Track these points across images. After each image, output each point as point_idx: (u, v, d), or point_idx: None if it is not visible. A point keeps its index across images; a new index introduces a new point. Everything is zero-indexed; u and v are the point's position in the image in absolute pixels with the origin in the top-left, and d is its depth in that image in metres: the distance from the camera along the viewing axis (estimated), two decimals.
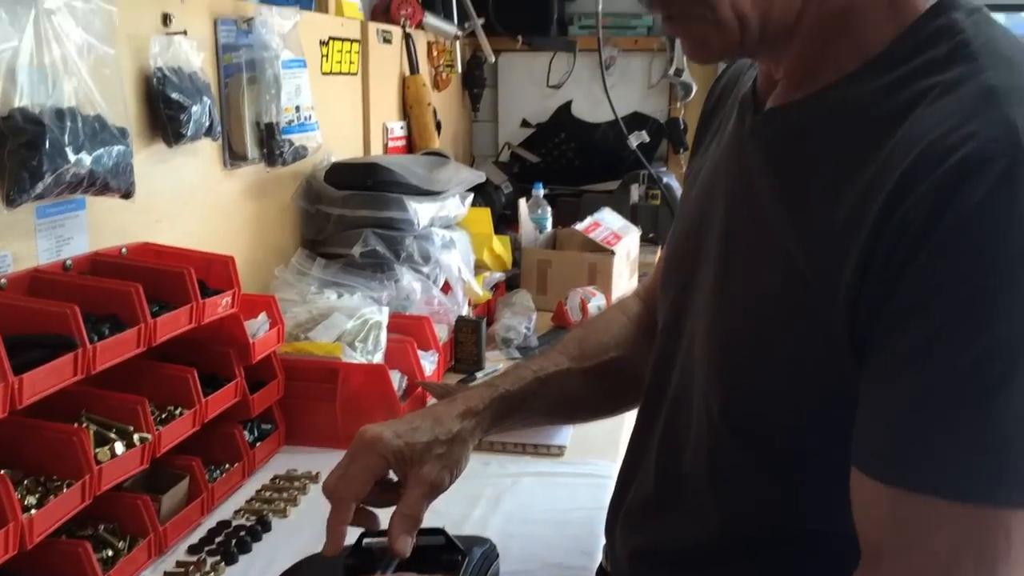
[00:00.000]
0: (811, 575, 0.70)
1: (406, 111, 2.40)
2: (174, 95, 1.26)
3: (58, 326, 0.91)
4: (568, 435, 1.40)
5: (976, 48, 0.60)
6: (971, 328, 0.54)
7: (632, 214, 2.73)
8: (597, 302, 2.04)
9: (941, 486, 0.54)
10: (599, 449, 1.38)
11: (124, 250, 1.20)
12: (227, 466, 1.22)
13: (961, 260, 0.54)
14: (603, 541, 1.13)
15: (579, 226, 2.26)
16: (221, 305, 1.18)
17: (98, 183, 1.05)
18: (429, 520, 0.86)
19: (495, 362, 1.79)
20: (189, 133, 1.28)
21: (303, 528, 1.13)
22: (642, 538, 0.82)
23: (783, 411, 0.67)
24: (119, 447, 0.97)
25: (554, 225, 2.52)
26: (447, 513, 1.04)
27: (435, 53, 2.63)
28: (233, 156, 1.50)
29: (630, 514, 0.84)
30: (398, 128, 2.35)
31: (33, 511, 0.85)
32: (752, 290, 0.68)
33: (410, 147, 2.42)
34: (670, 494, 0.78)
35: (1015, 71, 0.59)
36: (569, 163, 3.12)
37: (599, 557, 1.08)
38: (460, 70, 2.85)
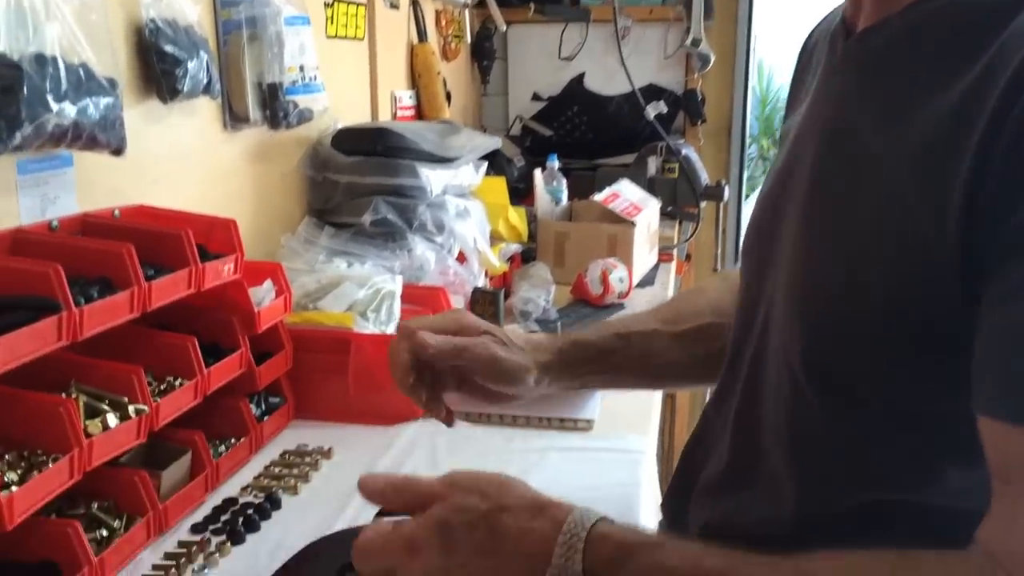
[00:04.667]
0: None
1: (415, 80, 2.31)
2: (168, 48, 1.17)
3: (39, 287, 0.82)
4: (597, 409, 1.31)
5: None
6: None
7: (649, 188, 2.63)
8: (619, 274, 1.95)
9: None
10: (630, 424, 1.30)
11: (117, 212, 1.11)
12: (233, 441, 1.13)
13: None
14: (642, 517, 1.05)
15: (597, 197, 2.17)
16: (223, 270, 1.10)
17: (84, 136, 0.97)
18: None
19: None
20: (185, 89, 1.20)
21: (316, 505, 1.05)
22: (714, 513, 0.74)
23: (871, 360, 0.58)
24: (112, 419, 0.89)
25: (569, 198, 2.44)
26: None
27: (443, 22, 2.54)
28: (234, 117, 1.41)
29: (704, 490, 0.76)
30: (407, 97, 2.26)
31: (14, 488, 0.77)
32: (845, 227, 0.60)
33: (420, 117, 2.34)
34: (747, 469, 0.70)
35: None
36: (582, 137, 3.03)
37: None
38: (469, 41, 2.76)
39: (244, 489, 1.09)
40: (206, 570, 0.90)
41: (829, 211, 0.62)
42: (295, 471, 1.13)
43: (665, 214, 2.64)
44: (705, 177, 2.69)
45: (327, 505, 1.05)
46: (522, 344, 0.85)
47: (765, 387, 0.69)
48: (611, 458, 1.18)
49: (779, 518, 0.65)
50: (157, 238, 1.03)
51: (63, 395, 0.88)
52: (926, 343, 0.54)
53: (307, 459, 1.16)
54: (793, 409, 0.65)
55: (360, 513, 1.02)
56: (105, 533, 0.91)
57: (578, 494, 1.07)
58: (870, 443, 0.60)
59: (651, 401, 1.38)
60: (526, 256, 2.16)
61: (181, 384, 1.03)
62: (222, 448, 1.12)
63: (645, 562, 0.56)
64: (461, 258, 1.72)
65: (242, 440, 1.14)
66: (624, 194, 2.23)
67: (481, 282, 1.73)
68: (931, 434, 0.57)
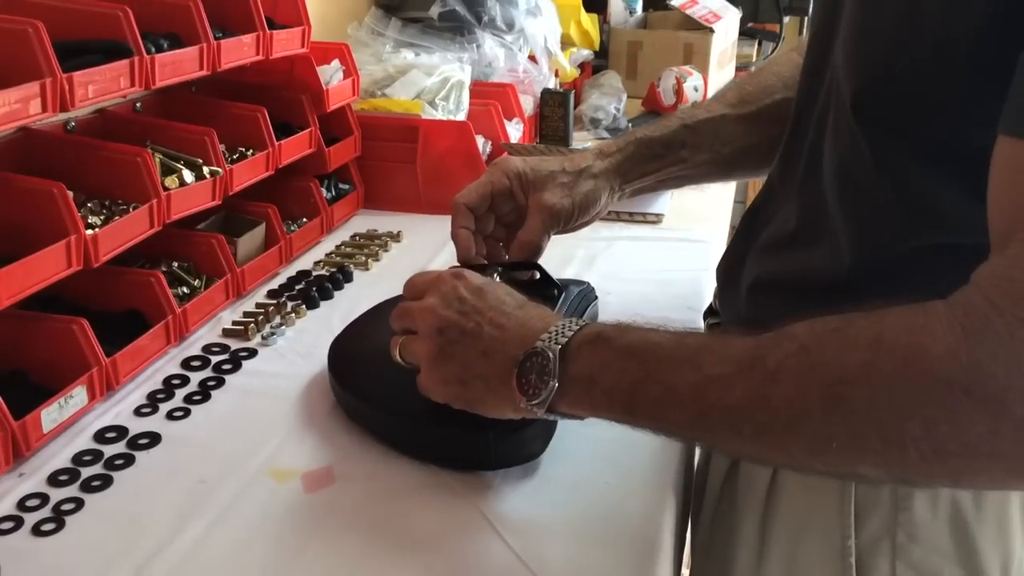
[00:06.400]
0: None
1: None
2: None
3: (110, 30, 0.81)
4: (666, 204, 1.28)
5: None
6: None
7: (730, 1, 2.48)
8: (694, 82, 1.86)
9: None
10: (700, 217, 1.27)
11: None
12: (304, 220, 1.15)
13: None
14: (709, 298, 1.04)
15: (674, 2, 2.05)
16: (291, 40, 1.07)
17: None
18: None
19: (582, 141, 1.67)
20: None
21: (387, 279, 1.07)
22: (767, 269, 0.72)
23: (922, 90, 0.55)
24: (187, 175, 0.90)
25: (644, 9, 2.31)
26: None
27: None
28: None
29: (762, 249, 0.74)
30: None
31: (98, 229, 0.79)
32: None
33: None
34: (812, 230, 0.67)
35: None
36: None
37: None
38: None
39: (317, 264, 1.11)
40: (283, 327, 0.93)
41: None
42: (366, 251, 1.14)
43: (743, 33, 2.50)
44: None
45: (398, 279, 1.04)
46: (584, 159, 0.83)
47: (826, 140, 0.65)
48: (680, 247, 1.17)
49: (834, 269, 0.63)
50: (223, 0, 1.00)
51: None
52: (977, 71, 0.51)
53: (377, 241, 1.17)
54: (846, 156, 0.62)
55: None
56: (186, 291, 0.94)
57: (647, 275, 1.08)
58: (919, 184, 0.57)
59: (723, 197, 1.35)
60: (596, 68, 2.08)
61: (253, 154, 1.03)
62: (294, 227, 1.14)
63: (633, 336, 0.56)
64: (531, 59, 1.66)
65: (314, 220, 1.15)
66: (703, 1, 2.10)
67: (551, 84, 1.68)
68: (980, 174, 0.54)
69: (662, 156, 0.86)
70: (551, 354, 0.57)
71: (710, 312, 0.84)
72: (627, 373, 0.55)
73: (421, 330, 0.65)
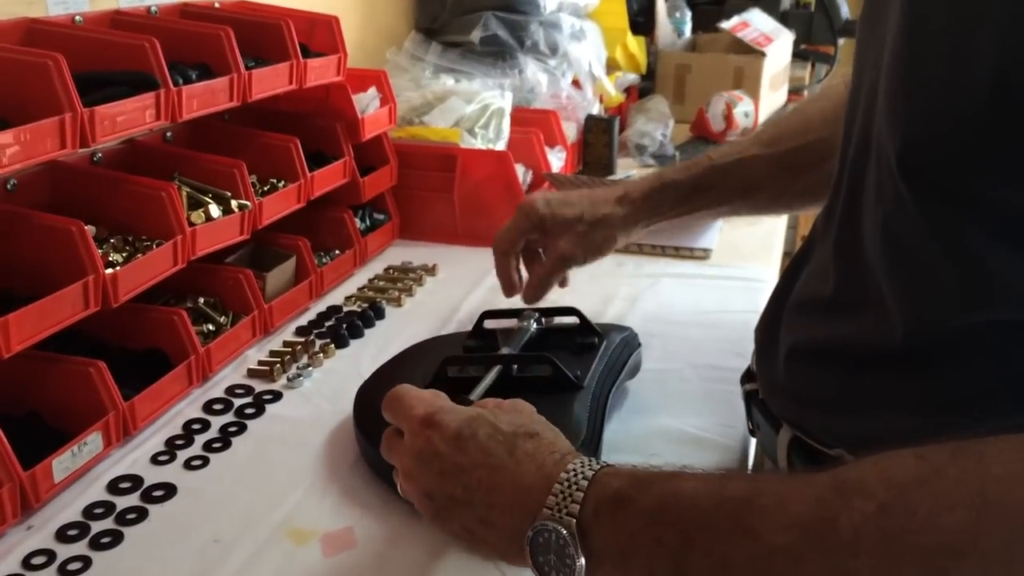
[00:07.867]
0: (999, 380, 0.51)
1: None
2: None
3: (136, 62, 0.78)
4: (715, 238, 1.22)
5: None
6: None
7: (782, 22, 2.41)
8: (744, 108, 1.80)
9: None
10: (751, 254, 1.21)
11: (217, 3, 1.06)
12: (336, 253, 1.11)
13: None
14: None
15: (725, 25, 1.99)
16: (326, 68, 1.04)
17: None
18: None
19: (627, 169, 1.62)
20: None
21: (420, 317, 1.02)
22: (805, 335, 0.65)
23: (974, 146, 0.48)
24: (214, 210, 0.87)
25: (693, 32, 2.26)
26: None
27: None
28: None
29: (799, 309, 0.67)
30: None
31: (119, 268, 0.76)
32: None
33: None
34: (850, 290, 0.60)
35: None
36: None
37: None
38: None
39: (348, 299, 1.07)
40: (310, 367, 0.89)
41: None
42: (399, 285, 1.10)
43: (796, 55, 2.42)
44: (846, 11, 2.43)
45: (431, 317, 1.02)
46: (606, 205, 0.86)
47: (866, 195, 0.58)
48: (730, 285, 1.10)
49: (883, 340, 0.56)
50: (257, 28, 0.98)
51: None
52: None
53: (411, 275, 1.13)
54: (890, 214, 0.54)
55: (464, 327, 0.98)
56: (212, 328, 0.91)
57: (693, 317, 1.02)
58: (977, 252, 0.50)
59: (774, 231, 1.28)
60: (643, 92, 2.03)
61: (284, 185, 0.99)
62: (326, 259, 1.10)
63: (659, 491, 0.47)
64: (575, 84, 1.61)
65: (346, 252, 1.12)
66: (754, 23, 2.04)
67: (595, 110, 1.63)
68: None
69: (687, 200, 0.87)
70: (565, 531, 0.47)
71: (748, 377, 0.77)
72: (664, 545, 0.46)
73: (409, 491, 0.57)
